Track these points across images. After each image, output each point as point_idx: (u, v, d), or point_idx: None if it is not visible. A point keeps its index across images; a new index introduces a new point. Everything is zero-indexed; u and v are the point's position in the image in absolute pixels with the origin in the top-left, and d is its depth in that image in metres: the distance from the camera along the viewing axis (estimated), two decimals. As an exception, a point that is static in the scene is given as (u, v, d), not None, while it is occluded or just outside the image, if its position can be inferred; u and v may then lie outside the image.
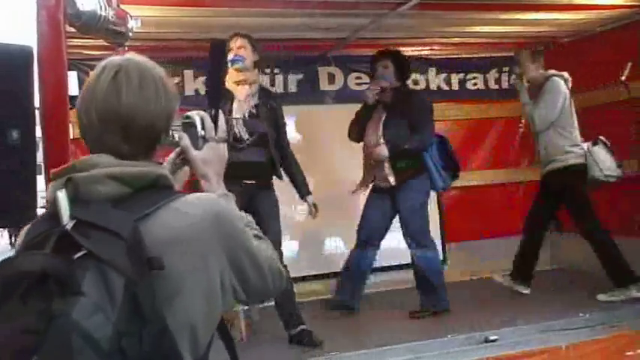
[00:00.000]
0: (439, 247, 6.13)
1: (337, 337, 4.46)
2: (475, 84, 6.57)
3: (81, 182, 1.22)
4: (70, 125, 2.97)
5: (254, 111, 4.21)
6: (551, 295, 5.24)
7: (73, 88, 3.46)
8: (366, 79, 6.18)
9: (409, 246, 4.84)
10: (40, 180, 2.76)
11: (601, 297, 4.77)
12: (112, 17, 3.15)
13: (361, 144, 4.98)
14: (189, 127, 1.52)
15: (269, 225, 4.13)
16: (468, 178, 6.20)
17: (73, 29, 3.13)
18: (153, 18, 4.19)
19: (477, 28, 5.65)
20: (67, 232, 1.15)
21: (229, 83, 4.16)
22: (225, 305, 1.32)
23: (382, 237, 4.97)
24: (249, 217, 1.54)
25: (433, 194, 5.31)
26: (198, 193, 1.39)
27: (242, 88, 4.20)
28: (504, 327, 4.28)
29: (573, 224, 5.07)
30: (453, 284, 5.72)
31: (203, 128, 1.54)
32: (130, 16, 3.52)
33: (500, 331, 4.19)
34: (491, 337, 4.10)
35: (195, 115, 1.54)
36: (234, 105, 4.14)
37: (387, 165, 4.76)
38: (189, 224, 1.26)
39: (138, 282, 1.12)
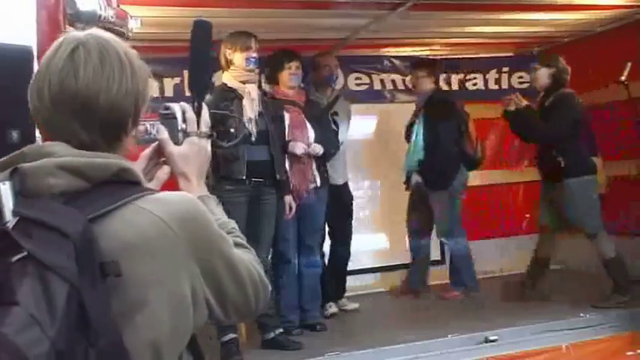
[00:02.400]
0: (438, 248, 6.17)
1: (337, 337, 4.47)
2: (475, 84, 6.56)
3: (29, 173, 1.05)
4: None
5: (261, 110, 4.21)
6: (552, 295, 5.23)
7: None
8: (366, 79, 6.17)
9: (303, 252, 4.66)
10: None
11: None
12: (111, 17, 3.15)
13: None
14: (168, 119, 1.36)
15: (264, 227, 4.16)
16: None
17: (73, 29, 3.13)
18: (153, 18, 4.19)
19: (477, 28, 5.65)
20: (6, 230, 0.99)
21: (233, 82, 4.14)
22: (197, 320, 1.15)
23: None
24: (233, 224, 1.36)
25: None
26: (170, 191, 1.21)
27: (252, 87, 4.20)
28: (504, 327, 4.28)
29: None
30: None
31: (184, 121, 1.36)
32: (130, 16, 3.52)
33: (500, 331, 4.19)
34: (491, 337, 4.11)
35: (176, 106, 1.37)
36: (245, 103, 4.12)
37: (314, 166, 4.60)
38: (155, 226, 1.09)
39: (85, 290, 0.96)
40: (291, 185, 4.45)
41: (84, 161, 1.09)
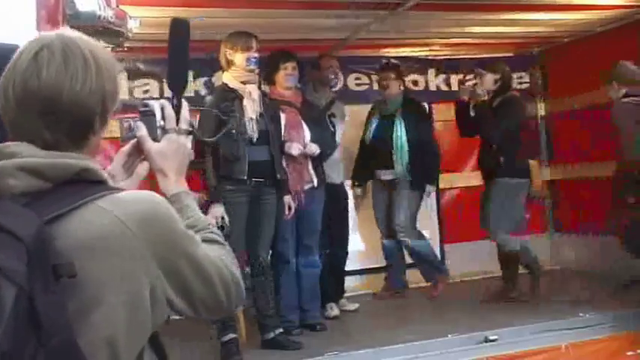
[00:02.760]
0: (437, 248, 6.18)
1: (337, 337, 4.47)
2: (475, 84, 6.54)
3: None
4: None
5: (261, 110, 4.21)
6: (551, 295, 5.24)
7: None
8: (365, 79, 6.17)
9: (301, 252, 4.66)
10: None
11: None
12: (111, 17, 3.15)
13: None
14: (147, 116, 1.37)
15: (264, 226, 4.17)
16: (466, 179, 6.21)
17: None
18: (152, 18, 4.19)
19: (477, 28, 5.65)
20: None
21: (234, 82, 4.14)
22: (156, 318, 1.15)
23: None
24: (210, 220, 1.37)
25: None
26: (133, 191, 1.23)
27: (252, 87, 4.20)
28: (504, 327, 4.28)
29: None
30: (452, 285, 5.73)
31: (163, 118, 1.38)
32: (130, 17, 3.52)
33: (500, 331, 4.20)
34: (491, 337, 4.11)
35: (155, 103, 1.39)
36: (245, 103, 4.11)
37: (310, 166, 4.61)
38: (113, 226, 1.09)
39: (36, 292, 0.97)
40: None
41: (43, 162, 1.10)
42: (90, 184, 1.14)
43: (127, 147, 1.40)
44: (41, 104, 1.13)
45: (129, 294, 1.10)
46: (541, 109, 6.81)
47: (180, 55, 1.44)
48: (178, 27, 1.43)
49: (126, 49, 3.91)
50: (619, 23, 5.55)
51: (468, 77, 6.49)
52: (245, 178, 4.04)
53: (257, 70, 4.23)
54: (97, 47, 1.21)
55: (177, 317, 1.25)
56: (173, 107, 1.40)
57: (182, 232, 1.20)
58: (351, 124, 5.58)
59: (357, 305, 5.26)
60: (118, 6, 3.29)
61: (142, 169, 1.39)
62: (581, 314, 4.43)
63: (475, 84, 5.21)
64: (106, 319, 1.07)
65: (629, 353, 4.23)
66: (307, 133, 4.56)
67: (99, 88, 1.17)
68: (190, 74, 5.59)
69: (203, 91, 5.46)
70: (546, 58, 6.68)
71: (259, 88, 4.39)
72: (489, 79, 5.07)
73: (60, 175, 1.10)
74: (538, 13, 5.28)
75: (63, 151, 1.14)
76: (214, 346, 4.11)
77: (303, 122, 4.56)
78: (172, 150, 1.37)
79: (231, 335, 4.04)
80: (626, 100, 4.60)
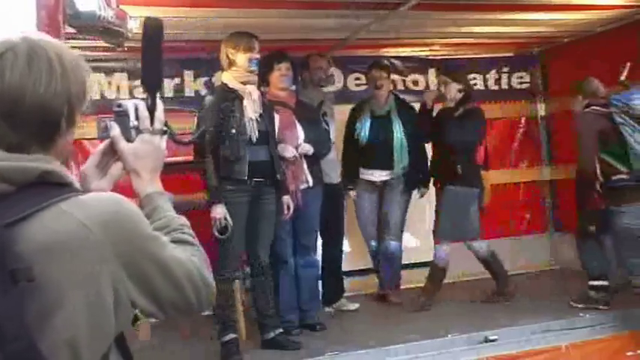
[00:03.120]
0: (431, 249, 6.16)
1: (337, 337, 4.47)
2: (475, 84, 6.55)
3: None
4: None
5: (261, 110, 4.20)
6: (552, 295, 5.24)
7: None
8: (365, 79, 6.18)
9: (299, 252, 4.67)
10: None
11: None
12: (111, 18, 3.15)
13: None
14: (121, 116, 1.37)
15: (263, 226, 4.17)
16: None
17: (72, 30, 3.13)
18: (153, 18, 4.19)
19: (477, 29, 5.65)
20: None
21: (234, 82, 4.13)
22: (120, 321, 1.15)
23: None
24: (183, 220, 1.35)
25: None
26: (98, 193, 1.24)
27: (252, 88, 4.19)
28: (504, 327, 4.28)
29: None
30: (452, 284, 5.73)
31: (137, 118, 1.37)
32: (130, 17, 3.52)
33: (500, 331, 4.20)
34: (491, 337, 4.12)
35: (129, 103, 1.39)
36: (246, 103, 4.11)
37: (305, 165, 4.58)
38: (74, 229, 1.09)
39: None
40: None
41: (4, 165, 1.10)
42: (54, 186, 1.13)
43: (101, 147, 1.40)
44: (4, 106, 1.12)
45: (90, 296, 1.10)
46: (541, 109, 6.82)
47: (153, 55, 1.43)
48: (152, 26, 1.43)
49: (126, 49, 3.90)
50: (619, 23, 5.55)
51: (468, 77, 6.51)
52: (245, 178, 4.04)
53: (256, 71, 4.23)
54: (64, 49, 1.20)
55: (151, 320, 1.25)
56: (148, 107, 1.39)
57: (147, 234, 1.20)
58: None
59: (357, 305, 5.26)
60: (118, 6, 3.29)
61: (116, 169, 1.39)
62: (581, 314, 4.44)
63: (439, 89, 5.24)
64: (67, 322, 1.07)
65: (630, 353, 4.24)
66: (301, 134, 4.54)
67: (64, 90, 1.16)
68: (191, 74, 5.61)
69: (203, 91, 5.45)
70: (546, 58, 6.68)
71: (258, 88, 4.39)
72: (454, 88, 5.11)
73: (21, 177, 1.10)
74: (538, 13, 5.28)
75: (28, 153, 1.14)
76: (214, 346, 4.11)
77: (297, 123, 4.54)
78: (146, 150, 1.37)
79: (231, 335, 4.05)
80: (587, 110, 4.68)
